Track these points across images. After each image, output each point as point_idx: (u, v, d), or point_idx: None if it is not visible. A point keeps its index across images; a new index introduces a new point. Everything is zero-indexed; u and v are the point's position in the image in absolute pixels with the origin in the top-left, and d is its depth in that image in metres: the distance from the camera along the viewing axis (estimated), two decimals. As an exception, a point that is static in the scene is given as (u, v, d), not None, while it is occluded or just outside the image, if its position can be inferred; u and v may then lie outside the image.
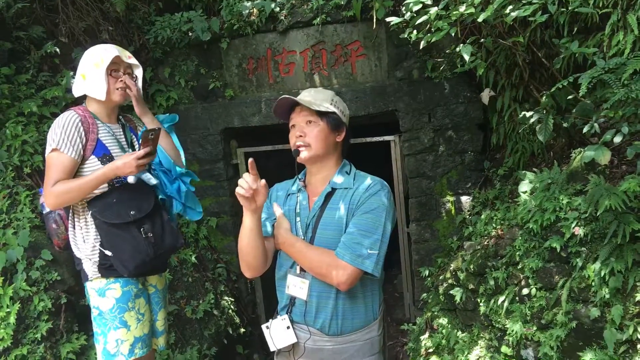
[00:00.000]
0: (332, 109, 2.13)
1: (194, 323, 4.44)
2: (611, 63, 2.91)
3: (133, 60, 2.81)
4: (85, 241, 2.71)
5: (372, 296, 2.19)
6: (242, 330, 4.94)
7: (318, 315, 2.11)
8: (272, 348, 2.21)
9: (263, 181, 1.93)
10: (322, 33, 4.57)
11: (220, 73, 4.89)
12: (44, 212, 2.83)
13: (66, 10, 4.34)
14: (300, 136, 2.11)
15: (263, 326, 2.24)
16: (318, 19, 4.46)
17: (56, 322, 3.37)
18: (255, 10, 4.55)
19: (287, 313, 2.18)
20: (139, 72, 2.87)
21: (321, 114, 2.11)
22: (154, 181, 2.79)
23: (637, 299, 2.58)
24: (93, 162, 2.66)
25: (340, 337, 2.12)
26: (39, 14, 4.23)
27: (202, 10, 4.82)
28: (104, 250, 2.65)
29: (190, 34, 4.67)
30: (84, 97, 2.76)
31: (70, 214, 2.76)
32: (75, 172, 2.64)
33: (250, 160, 1.92)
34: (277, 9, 4.54)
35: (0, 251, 3.25)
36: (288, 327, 2.14)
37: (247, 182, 1.88)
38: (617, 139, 2.79)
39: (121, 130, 2.89)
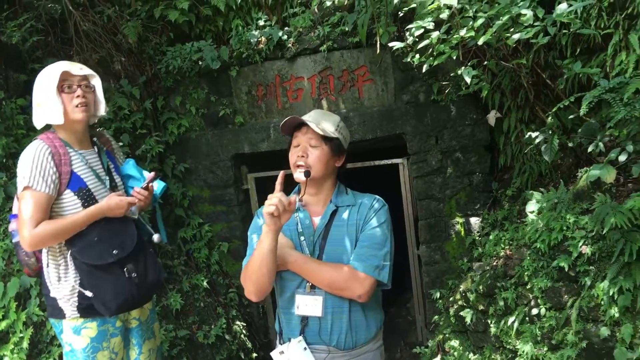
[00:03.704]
0: (336, 134, 2.19)
1: (206, 348, 4.46)
2: (613, 82, 2.94)
3: (87, 71, 2.57)
4: (62, 281, 2.56)
5: (379, 305, 2.27)
6: (254, 355, 4.94)
7: (333, 330, 2.12)
8: None
9: (293, 197, 1.96)
10: (328, 59, 4.65)
11: (230, 100, 4.99)
12: (13, 240, 2.65)
13: (80, 43, 4.48)
14: (302, 156, 2.14)
15: (274, 352, 2.21)
16: (325, 45, 4.54)
17: (69, 347, 3.41)
18: (263, 38, 4.66)
19: (300, 334, 2.17)
20: (96, 81, 2.62)
21: (325, 138, 2.16)
22: (136, 215, 2.72)
23: (646, 317, 2.57)
24: (69, 197, 2.53)
25: (355, 350, 2.16)
26: (54, 47, 4.37)
27: (211, 40, 4.93)
28: (84, 292, 2.53)
29: (200, 62, 4.78)
30: None
31: (43, 251, 2.58)
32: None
33: (282, 172, 1.95)
34: (285, 37, 4.64)
35: (14, 277, 3.32)
36: (305, 349, 2.13)
37: (279, 198, 1.90)
38: (622, 158, 2.80)
39: (96, 155, 2.71)
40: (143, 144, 4.68)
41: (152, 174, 2.72)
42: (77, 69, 2.53)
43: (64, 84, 2.49)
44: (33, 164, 2.41)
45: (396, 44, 3.63)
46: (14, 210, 2.66)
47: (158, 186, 2.89)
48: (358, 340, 2.15)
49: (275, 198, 1.90)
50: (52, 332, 3.30)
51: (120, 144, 4.39)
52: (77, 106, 2.50)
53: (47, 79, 2.48)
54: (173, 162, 5.07)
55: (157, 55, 4.95)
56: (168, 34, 4.96)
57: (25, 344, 3.18)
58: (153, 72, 4.95)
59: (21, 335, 3.20)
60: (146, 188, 2.69)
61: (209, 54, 4.72)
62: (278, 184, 1.97)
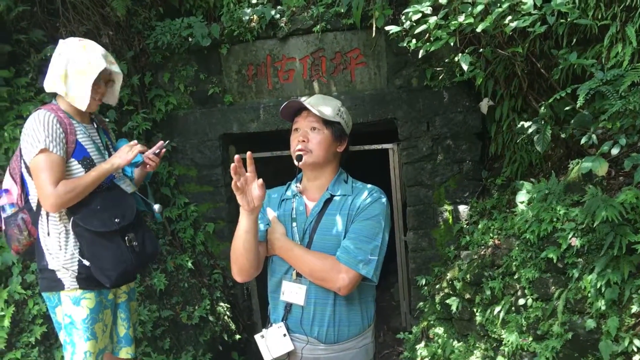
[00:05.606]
0: (337, 119, 2.14)
1: (189, 329, 4.43)
2: (609, 75, 2.92)
3: (115, 67, 2.68)
4: (62, 249, 2.57)
5: (368, 302, 2.20)
6: (238, 336, 4.92)
7: (314, 322, 2.09)
8: (266, 358, 2.15)
9: (260, 180, 1.90)
10: (321, 40, 4.58)
11: (220, 79, 4.90)
12: (3, 215, 2.64)
13: (67, 14, 4.34)
14: (303, 141, 2.09)
15: (257, 336, 2.19)
16: (318, 26, 4.46)
17: (50, 325, 3.34)
18: (255, 16, 4.56)
19: (282, 321, 2.15)
20: (118, 78, 2.76)
21: (326, 123, 2.11)
22: (130, 189, 2.81)
23: (632, 310, 2.58)
24: (74, 165, 2.57)
25: (337, 345, 2.11)
26: (40, 18, 4.22)
27: (202, 16, 4.82)
28: (83, 260, 2.55)
29: (190, 39, 4.67)
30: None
31: (42, 220, 2.59)
32: None
33: (248, 153, 1.87)
34: (277, 15, 4.55)
35: (-5, 254, 3.25)
36: (285, 335, 2.11)
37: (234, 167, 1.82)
38: (615, 151, 2.79)
39: (96, 130, 2.78)
40: (130, 121, 4.59)
41: (161, 142, 2.89)
42: (110, 62, 2.64)
43: (98, 78, 2.59)
44: (44, 129, 2.45)
45: (392, 28, 3.57)
46: (4, 185, 2.68)
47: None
48: (340, 336, 2.11)
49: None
50: (34, 311, 3.25)
51: (107, 120, 4.29)
52: (96, 99, 2.64)
53: (84, 66, 2.53)
54: (160, 140, 4.97)
55: (145, 30, 4.83)
56: (157, 9, 4.83)
57: (6, 323, 3.11)
58: (141, 47, 4.83)
59: (2, 313, 3.14)
60: (158, 154, 2.85)
61: (199, 31, 4.62)
62: (248, 163, 1.87)
